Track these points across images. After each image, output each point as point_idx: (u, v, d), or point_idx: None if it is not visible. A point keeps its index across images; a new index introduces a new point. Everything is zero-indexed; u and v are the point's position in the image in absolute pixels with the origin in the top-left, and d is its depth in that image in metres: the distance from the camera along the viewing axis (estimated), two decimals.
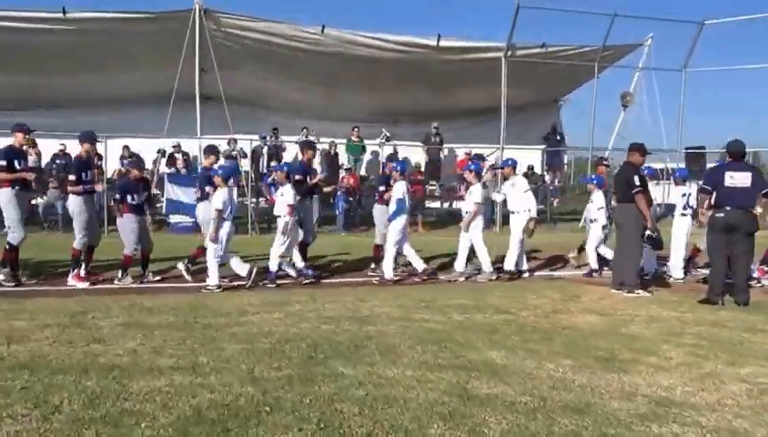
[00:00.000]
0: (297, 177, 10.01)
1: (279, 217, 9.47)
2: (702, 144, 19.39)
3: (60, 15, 14.83)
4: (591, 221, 10.72)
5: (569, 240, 12.87)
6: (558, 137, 21.07)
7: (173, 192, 15.29)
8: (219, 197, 8.92)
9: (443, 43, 17.35)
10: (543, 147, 20.59)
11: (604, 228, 10.50)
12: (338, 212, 17.30)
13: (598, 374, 4.87)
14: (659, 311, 7.44)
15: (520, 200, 10.16)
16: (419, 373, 4.80)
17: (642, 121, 18.92)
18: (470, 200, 9.90)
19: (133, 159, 12.50)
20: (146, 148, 16.91)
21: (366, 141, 19.54)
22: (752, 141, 11.23)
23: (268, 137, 18.38)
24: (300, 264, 9.75)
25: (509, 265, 10.09)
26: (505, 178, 10.80)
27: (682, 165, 16.83)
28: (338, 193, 16.87)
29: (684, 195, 10.32)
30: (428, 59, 17.81)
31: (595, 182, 10.92)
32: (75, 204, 9.23)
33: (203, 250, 9.37)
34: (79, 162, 9.41)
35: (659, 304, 7.86)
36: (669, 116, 19.06)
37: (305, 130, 18.58)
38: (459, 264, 10.12)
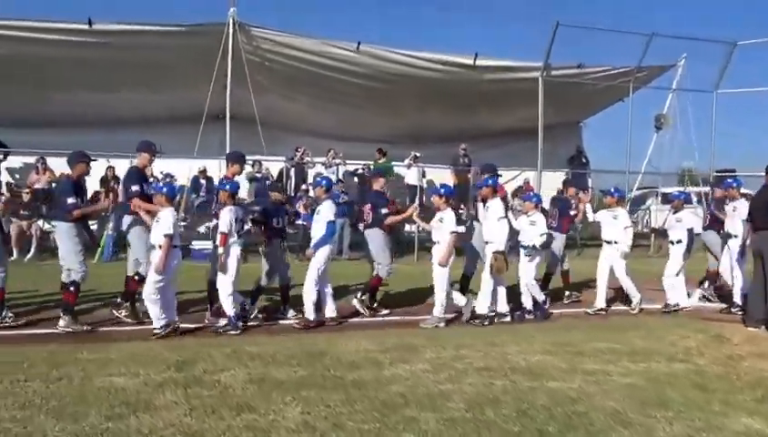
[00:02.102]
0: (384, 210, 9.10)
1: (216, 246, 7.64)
2: (734, 166, 18.74)
3: (85, 26, 13.54)
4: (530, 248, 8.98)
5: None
6: (583, 160, 20.33)
7: None
8: (167, 219, 7.24)
9: (480, 62, 16.49)
10: (583, 170, 19.75)
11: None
12: None
13: None
14: None
15: (492, 229, 8.30)
16: None
17: (675, 144, 18.30)
18: (444, 229, 8.15)
19: (276, 183, 11.49)
20: (176, 171, 15.62)
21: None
22: None
23: (295, 157, 17.23)
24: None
25: (481, 308, 8.35)
26: (483, 202, 8.78)
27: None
28: None
29: None
30: (462, 79, 16.97)
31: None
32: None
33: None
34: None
35: None
36: (702, 138, 18.49)
37: (331, 152, 17.48)
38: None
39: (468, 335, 7.44)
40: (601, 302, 9.24)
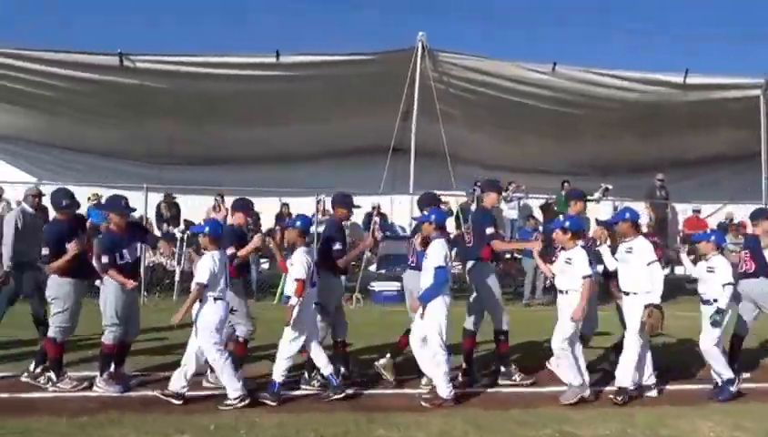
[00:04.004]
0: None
1: (290, 297, 6.61)
2: None
3: (273, 59, 13.42)
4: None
5: None
6: None
7: None
8: (206, 265, 6.34)
9: (691, 79, 15.11)
10: None
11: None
12: None
13: None
14: None
15: (639, 276, 6.87)
16: None
17: None
18: (575, 273, 6.73)
19: None
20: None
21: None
22: None
23: (475, 191, 16.43)
24: (327, 369, 6.69)
25: (622, 380, 6.83)
26: (622, 240, 7.25)
27: None
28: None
29: None
30: (662, 100, 15.64)
31: None
32: None
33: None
34: None
35: None
36: None
37: (513, 185, 16.58)
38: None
39: None
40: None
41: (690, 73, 15.05)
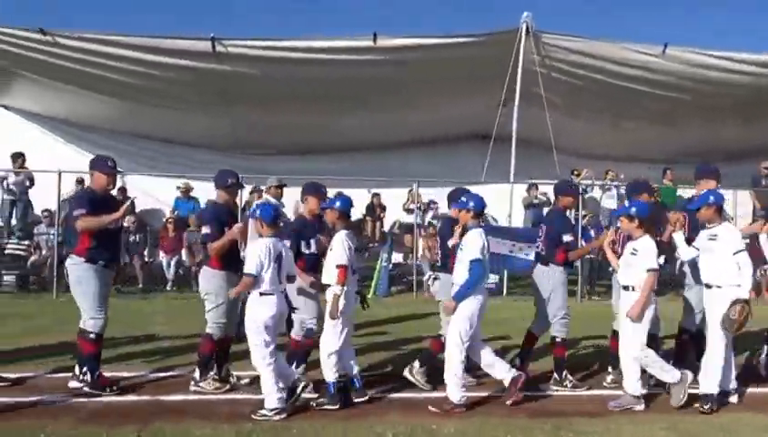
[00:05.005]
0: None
1: (329, 286, 6.05)
2: None
3: (370, 42, 12.96)
4: None
5: None
6: None
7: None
8: (254, 252, 5.72)
9: None
10: None
11: None
12: None
13: None
14: None
15: (724, 267, 6.07)
16: None
17: None
18: (639, 265, 6.06)
19: None
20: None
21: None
22: None
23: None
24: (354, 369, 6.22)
25: (707, 385, 6.11)
26: (703, 226, 6.43)
27: None
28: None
29: None
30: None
31: None
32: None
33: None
34: None
35: None
36: None
37: (610, 173, 15.94)
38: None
39: None
40: None
41: None
